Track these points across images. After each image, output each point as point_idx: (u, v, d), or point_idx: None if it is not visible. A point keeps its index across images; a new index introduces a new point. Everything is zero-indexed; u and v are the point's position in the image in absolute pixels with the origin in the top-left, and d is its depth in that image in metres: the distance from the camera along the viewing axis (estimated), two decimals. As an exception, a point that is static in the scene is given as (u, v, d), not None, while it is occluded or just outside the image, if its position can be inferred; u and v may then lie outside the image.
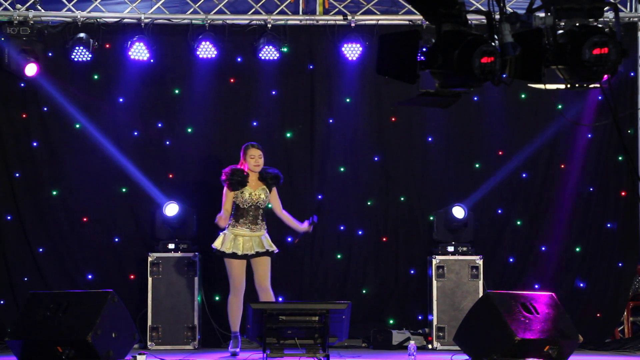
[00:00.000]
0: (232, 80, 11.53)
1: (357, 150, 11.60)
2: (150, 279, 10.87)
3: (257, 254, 9.74)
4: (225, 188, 9.82)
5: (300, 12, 11.43)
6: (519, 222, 11.59)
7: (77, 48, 11.07)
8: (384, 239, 11.60)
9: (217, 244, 9.79)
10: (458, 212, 11.11)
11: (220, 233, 9.84)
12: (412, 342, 10.10)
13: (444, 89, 6.25)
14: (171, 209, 11.02)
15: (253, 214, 9.78)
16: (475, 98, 11.45)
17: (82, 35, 11.12)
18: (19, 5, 11.18)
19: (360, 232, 11.59)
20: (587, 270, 11.51)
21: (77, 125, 11.43)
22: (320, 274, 11.49)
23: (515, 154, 11.57)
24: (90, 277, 11.35)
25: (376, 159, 11.61)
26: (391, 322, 11.48)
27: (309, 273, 11.32)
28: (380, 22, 11.38)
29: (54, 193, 11.39)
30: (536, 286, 11.38)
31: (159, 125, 11.52)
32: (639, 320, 11.54)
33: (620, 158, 11.50)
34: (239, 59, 11.48)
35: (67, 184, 11.42)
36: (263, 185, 9.86)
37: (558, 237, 11.54)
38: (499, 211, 11.61)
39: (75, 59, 11.12)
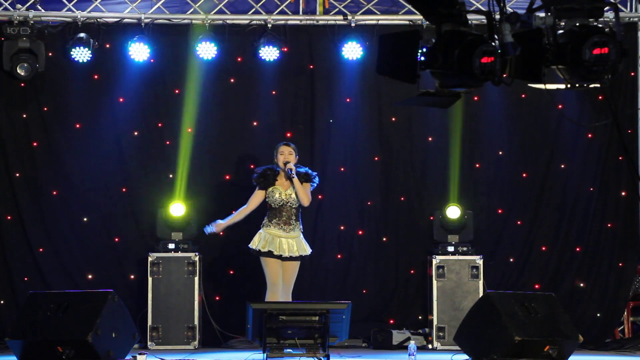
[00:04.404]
0: (232, 80, 11.53)
1: (357, 150, 11.60)
2: (150, 279, 10.87)
3: (290, 258, 9.64)
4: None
5: (301, 12, 11.43)
6: (519, 222, 11.59)
7: (77, 48, 11.07)
8: (384, 239, 11.60)
9: (252, 244, 9.69)
10: (452, 212, 11.12)
11: (257, 233, 9.73)
12: (412, 342, 10.10)
13: (444, 89, 6.25)
14: (177, 209, 11.02)
15: (286, 214, 9.66)
16: (475, 98, 11.45)
17: (82, 35, 11.12)
18: (19, 5, 11.18)
19: (360, 232, 11.59)
20: (587, 270, 11.51)
21: (77, 125, 11.43)
22: (320, 274, 11.49)
23: (515, 154, 11.59)
24: (90, 277, 11.34)
25: (376, 159, 11.61)
26: (391, 322, 11.47)
27: (309, 273, 11.32)
28: (380, 22, 11.38)
29: (54, 193, 11.38)
30: (536, 286, 11.38)
31: (159, 125, 11.52)
32: (639, 320, 11.54)
33: (620, 158, 11.49)
34: (239, 59, 11.48)
35: (67, 184, 11.42)
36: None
37: (558, 237, 11.54)
38: (499, 211, 11.60)
39: (75, 59, 11.12)
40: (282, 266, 9.68)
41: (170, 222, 11.06)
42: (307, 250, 9.75)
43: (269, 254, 9.59)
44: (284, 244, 9.62)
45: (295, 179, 9.63)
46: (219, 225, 9.87)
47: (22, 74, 11.00)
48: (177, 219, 11.04)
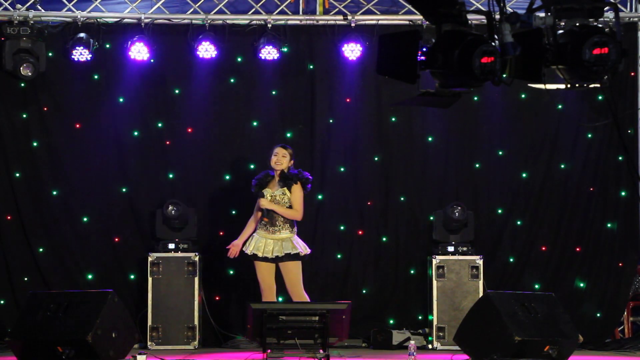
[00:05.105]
0: (232, 80, 11.53)
1: (357, 150, 11.60)
2: (150, 279, 10.86)
3: (276, 258, 9.61)
4: None
5: (301, 12, 11.44)
6: (519, 222, 11.58)
7: (77, 48, 11.07)
8: (384, 239, 11.60)
9: (244, 246, 9.71)
10: (456, 212, 11.11)
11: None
12: (412, 342, 10.10)
13: (444, 89, 6.25)
14: (173, 209, 11.01)
15: (272, 216, 9.64)
16: (475, 98, 11.45)
17: (82, 35, 11.12)
18: (19, 5, 11.18)
19: (360, 232, 11.58)
20: (587, 270, 11.51)
21: (77, 125, 11.43)
22: (320, 274, 11.49)
23: (515, 154, 11.59)
24: (90, 277, 11.34)
25: (376, 159, 11.61)
26: (391, 322, 11.48)
27: (309, 273, 11.30)
28: (380, 22, 11.38)
29: (54, 193, 11.38)
30: (536, 286, 11.38)
31: (159, 125, 11.52)
32: (639, 320, 11.55)
33: (620, 158, 11.50)
34: (239, 59, 11.48)
35: (67, 184, 11.42)
36: (284, 187, 9.74)
37: (558, 237, 11.54)
38: (499, 211, 11.60)
39: (75, 59, 11.12)
40: (276, 269, 9.66)
41: (170, 222, 11.05)
42: (298, 248, 9.61)
43: (254, 257, 9.60)
44: (269, 246, 9.60)
45: (276, 206, 9.59)
46: (236, 246, 9.81)
47: (29, 73, 10.98)
48: (177, 219, 11.03)
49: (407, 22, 11.33)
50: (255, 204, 9.81)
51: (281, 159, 9.69)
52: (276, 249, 9.58)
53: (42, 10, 11.23)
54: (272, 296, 9.65)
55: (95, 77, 11.44)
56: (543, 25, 6.13)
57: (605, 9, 6.33)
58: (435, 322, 10.93)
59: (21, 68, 10.94)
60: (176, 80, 11.50)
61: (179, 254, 10.95)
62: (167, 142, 11.51)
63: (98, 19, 11.27)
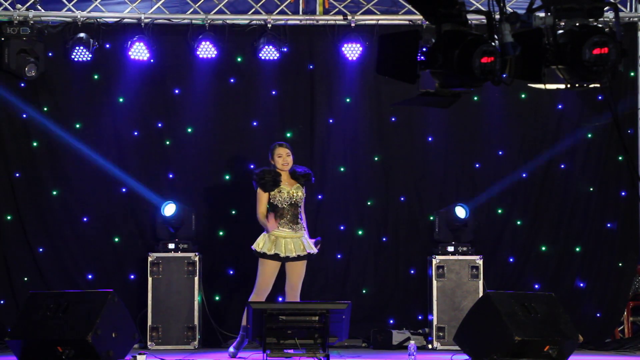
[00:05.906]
0: (232, 80, 11.53)
1: (357, 150, 11.60)
2: (150, 279, 10.86)
3: (298, 257, 9.60)
4: (258, 190, 9.64)
5: (300, 12, 11.44)
6: (519, 222, 11.59)
7: (77, 48, 11.08)
8: (384, 239, 11.60)
9: (256, 245, 9.59)
10: (460, 211, 11.11)
11: (261, 234, 9.69)
12: (412, 342, 10.10)
13: (444, 89, 6.26)
14: (169, 209, 11.01)
15: (293, 213, 9.60)
16: (475, 98, 11.45)
17: (82, 35, 11.12)
18: (19, 5, 11.18)
19: (360, 232, 11.59)
20: (587, 270, 11.51)
21: (77, 125, 11.43)
22: (320, 274, 11.49)
23: (515, 154, 11.59)
24: (90, 277, 11.34)
25: (376, 159, 11.61)
26: (391, 322, 11.48)
27: (309, 273, 11.28)
28: (380, 22, 11.38)
29: (54, 193, 11.38)
30: (536, 286, 11.38)
31: (159, 125, 11.52)
32: (639, 320, 11.54)
33: (620, 158, 11.50)
34: (239, 59, 11.48)
35: (67, 184, 11.42)
36: (297, 183, 9.71)
37: (558, 237, 11.54)
38: (499, 211, 11.60)
39: (75, 59, 11.12)
40: (286, 266, 9.65)
41: (170, 222, 11.05)
42: (314, 248, 9.70)
43: (275, 257, 9.55)
44: (289, 244, 9.57)
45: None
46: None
47: (32, 73, 10.96)
48: (173, 219, 11.02)
49: (407, 22, 11.33)
50: (260, 201, 9.64)
51: (287, 158, 9.71)
52: (296, 247, 9.57)
53: (42, 10, 11.23)
54: (264, 297, 9.63)
55: (95, 77, 11.44)
56: (543, 25, 6.14)
57: (605, 9, 6.34)
58: (435, 322, 10.93)
59: (26, 68, 10.92)
60: (176, 80, 11.50)
61: (179, 254, 10.95)
62: (167, 142, 11.51)
63: (98, 19, 11.27)
